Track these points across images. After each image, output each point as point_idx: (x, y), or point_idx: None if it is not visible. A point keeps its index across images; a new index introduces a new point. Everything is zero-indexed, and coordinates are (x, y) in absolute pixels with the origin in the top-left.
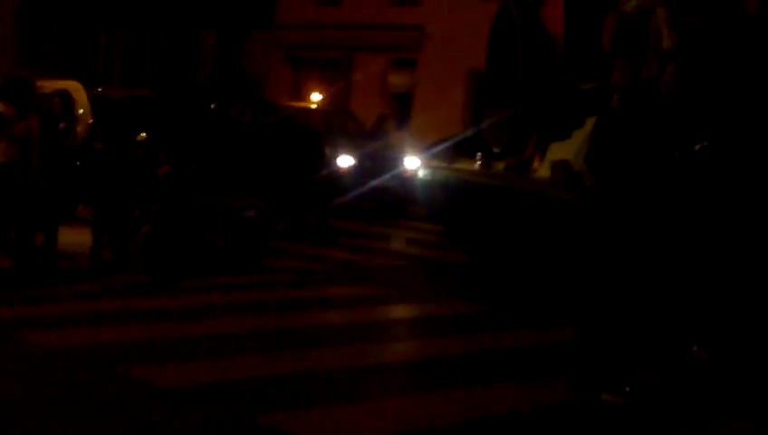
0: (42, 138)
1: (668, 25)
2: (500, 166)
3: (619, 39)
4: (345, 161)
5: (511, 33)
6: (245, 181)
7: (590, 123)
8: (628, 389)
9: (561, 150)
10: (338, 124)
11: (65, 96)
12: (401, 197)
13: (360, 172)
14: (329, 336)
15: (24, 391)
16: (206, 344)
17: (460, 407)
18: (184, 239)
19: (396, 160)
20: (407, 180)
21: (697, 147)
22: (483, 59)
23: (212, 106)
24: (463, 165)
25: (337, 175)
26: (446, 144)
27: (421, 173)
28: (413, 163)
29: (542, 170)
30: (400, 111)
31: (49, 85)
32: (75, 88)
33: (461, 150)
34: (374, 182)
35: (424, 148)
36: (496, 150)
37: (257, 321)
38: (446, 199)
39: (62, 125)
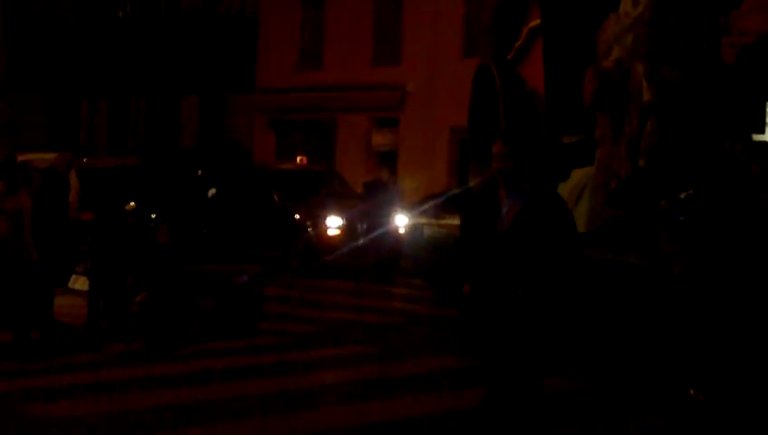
0: (33, 212)
1: (648, 79)
2: None
3: (600, 94)
4: (334, 222)
5: (491, 90)
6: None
7: (575, 176)
8: None
9: None
10: (326, 186)
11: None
12: (392, 254)
13: (350, 231)
14: (325, 397)
15: None
16: (206, 410)
17: None
18: (178, 306)
19: (385, 218)
20: (396, 238)
21: (683, 195)
22: (465, 116)
23: (198, 173)
24: (450, 220)
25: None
26: (434, 201)
27: (410, 230)
28: (402, 220)
29: None
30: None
31: (39, 159)
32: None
33: (448, 206)
34: (364, 240)
35: (411, 205)
36: None
37: (254, 385)
38: (435, 254)
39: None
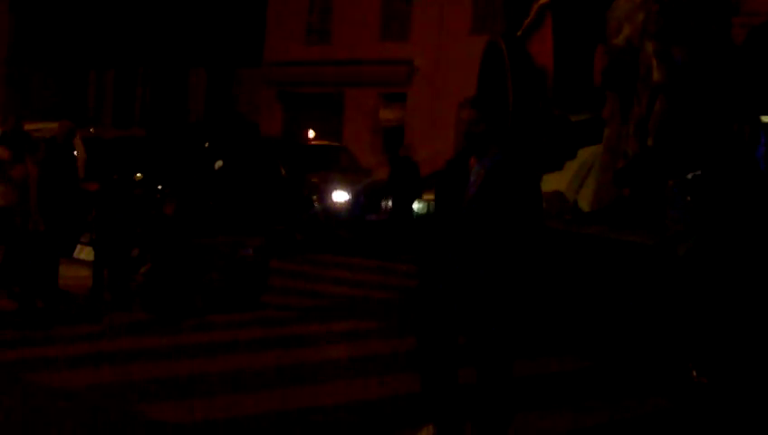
0: (39, 181)
1: (658, 58)
2: None
3: (609, 72)
4: (340, 197)
5: (500, 67)
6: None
7: (582, 154)
8: None
9: (554, 182)
10: (333, 160)
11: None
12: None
13: (355, 207)
14: (328, 371)
15: (31, 432)
16: (209, 381)
17: None
18: (183, 278)
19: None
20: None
21: (690, 175)
22: (473, 92)
23: (205, 145)
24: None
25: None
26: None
27: (416, 206)
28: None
29: None
30: (392, 144)
31: (45, 128)
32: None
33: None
34: (370, 216)
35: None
36: None
37: (257, 358)
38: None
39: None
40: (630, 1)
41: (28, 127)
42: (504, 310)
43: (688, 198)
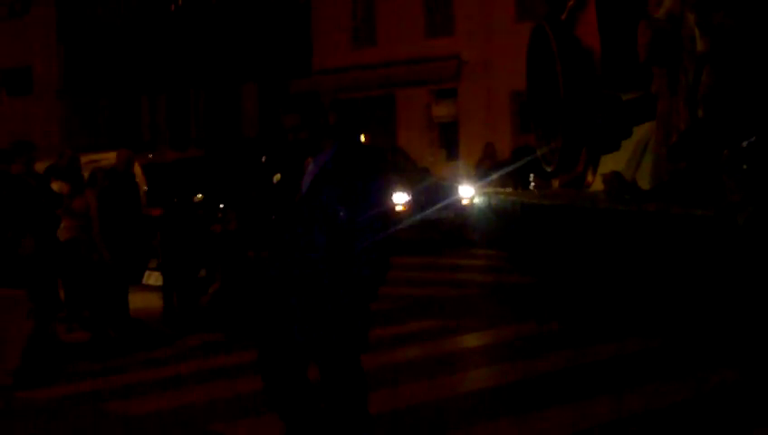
0: (101, 211)
1: (700, 28)
2: (555, 184)
3: (654, 47)
4: (400, 198)
5: (548, 51)
6: None
7: (638, 132)
8: None
9: (611, 162)
10: (390, 162)
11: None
12: (457, 226)
13: (416, 206)
14: (409, 372)
15: None
16: None
17: (557, 424)
18: (251, 295)
19: (449, 191)
20: (462, 209)
21: (745, 143)
22: (523, 80)
23: (263, 159)
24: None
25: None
26: (500, 170)
27: (477, 200)
28: (467, 192)
29: (597, 184)
30: (448, 140)
31: (103, 158)
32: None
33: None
34: (428, 214)
35: (475, 175)
36: (549, 169)
37: None
38: (504, 224)
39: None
40: None
41: (86, 158)
42: (340, 318)
43: (745, 166)
